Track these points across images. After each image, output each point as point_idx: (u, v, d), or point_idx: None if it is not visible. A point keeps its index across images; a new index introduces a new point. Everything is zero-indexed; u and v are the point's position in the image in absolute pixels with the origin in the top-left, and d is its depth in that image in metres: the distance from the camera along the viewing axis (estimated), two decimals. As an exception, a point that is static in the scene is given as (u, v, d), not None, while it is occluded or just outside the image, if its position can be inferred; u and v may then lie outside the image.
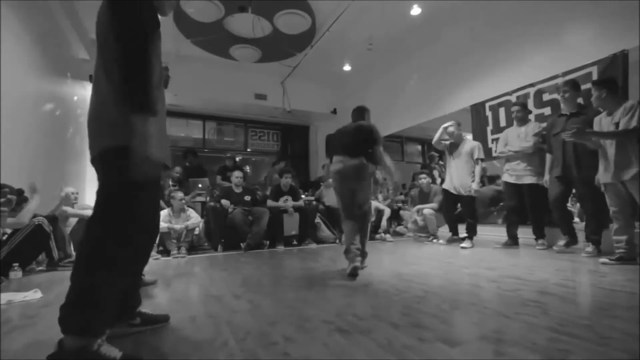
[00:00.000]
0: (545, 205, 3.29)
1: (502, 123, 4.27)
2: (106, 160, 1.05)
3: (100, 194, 1.06)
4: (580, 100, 3.17)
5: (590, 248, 2.89)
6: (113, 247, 1.01)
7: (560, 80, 3.45)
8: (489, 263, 2.70)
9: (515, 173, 3.51)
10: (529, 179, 3.41)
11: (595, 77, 3.28)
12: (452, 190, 3.92)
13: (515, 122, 3.65)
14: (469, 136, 4.43)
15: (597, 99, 2.68)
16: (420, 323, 1.31)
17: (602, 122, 2.69)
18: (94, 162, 1.08)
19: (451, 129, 3.93)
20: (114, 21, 0.99)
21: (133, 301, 1.33)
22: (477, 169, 3.76)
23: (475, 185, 3.73)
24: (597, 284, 1.92)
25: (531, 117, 3.86)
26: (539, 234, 3.46)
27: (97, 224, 1.04)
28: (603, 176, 2.65)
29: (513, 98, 4.10)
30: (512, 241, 3.57)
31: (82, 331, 0.94)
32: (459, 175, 3.84)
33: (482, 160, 3.81)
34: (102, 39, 1.07)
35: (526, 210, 3.54)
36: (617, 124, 2.55)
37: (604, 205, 2.71)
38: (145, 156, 0.99)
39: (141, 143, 0.98)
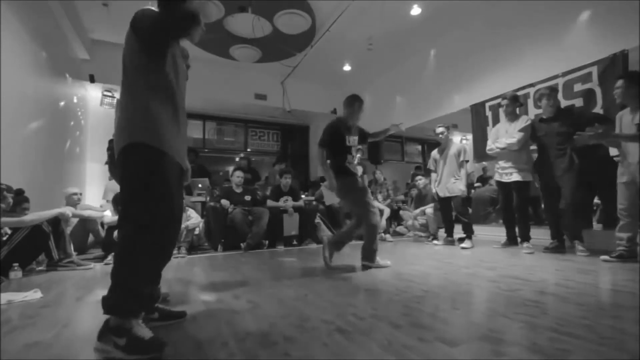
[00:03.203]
0: (532, 205, 3.29)
1: (502, 123, 4.27)
2: (124, 156, 1.20)
3: (122, 188, 1.22)
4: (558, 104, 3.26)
5: (580, 246, 2.91)
6: (136, 238, 1.16)
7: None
8: (488, 263, 2.70)
9: (504, 171, 3.47)
10: (515, 176, 3.35)
11: (595, 77, 3.29)
12: (442, 193, 3.99)
13: (505, 117, 3.56)
14: (469, 136, 4.44)
15: (624, 94, 2.63)
16: (420, 323, 1.31)
17: (624, 120, 2.66)
18: (117, 159, 1.24)
19: (439, 129, 4.04)
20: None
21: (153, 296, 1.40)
22: (463, 171, 3.84)
23: (462, 187, 3.80)
24: (596, 284, 1.92)
25: (531, 117, 3.86)
26: (524, 236, 3.35)
27: (123, 219, 1.21)
28: (620, 174, 2.65)
29: (513, 98, 4.09)
30: (511, 241, 3.57)
31: (114, 310, 1.12)
32: (448, 178, 3.92)
33: (467, 162, 3.86)
34: (126, 61, 1.24)
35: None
36: (638, 125, 2.55)
37: (581, 203, 2.87)
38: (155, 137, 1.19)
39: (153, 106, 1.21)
